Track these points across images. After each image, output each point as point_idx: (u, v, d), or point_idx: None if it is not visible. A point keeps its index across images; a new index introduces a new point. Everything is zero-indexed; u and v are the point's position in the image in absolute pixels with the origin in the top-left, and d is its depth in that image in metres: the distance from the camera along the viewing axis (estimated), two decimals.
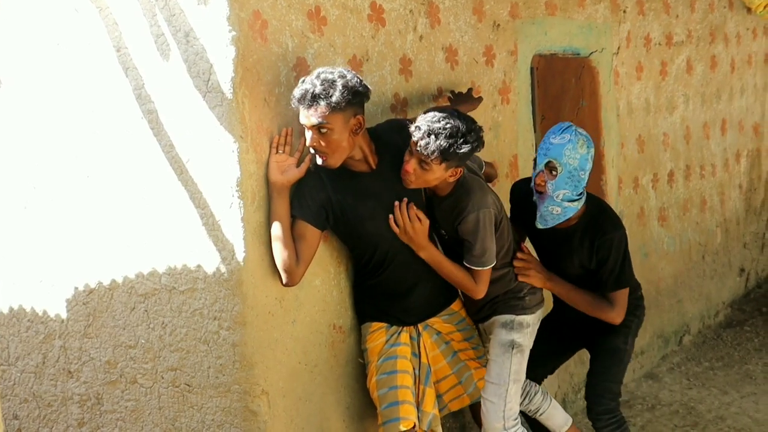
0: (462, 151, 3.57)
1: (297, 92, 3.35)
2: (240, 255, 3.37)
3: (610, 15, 5.77)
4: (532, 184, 3.98)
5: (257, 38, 3.38)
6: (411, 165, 3.62)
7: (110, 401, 3.83)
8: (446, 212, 3.83)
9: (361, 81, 3.45)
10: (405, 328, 3.89)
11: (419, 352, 3.91)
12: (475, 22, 4.61)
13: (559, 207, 3.91)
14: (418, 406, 3.84)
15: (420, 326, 3.93)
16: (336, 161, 3.52)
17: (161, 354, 3.64)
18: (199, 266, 3.47)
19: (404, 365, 3.81)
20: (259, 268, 3.43)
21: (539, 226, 4.01)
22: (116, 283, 3.71)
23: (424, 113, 3.66)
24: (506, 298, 4.04)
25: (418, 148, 3.55)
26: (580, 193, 3.93)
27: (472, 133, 3.61)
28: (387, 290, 3.84)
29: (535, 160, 4.01)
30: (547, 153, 3.85)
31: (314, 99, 3.33)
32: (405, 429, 3.69)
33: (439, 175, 3.65)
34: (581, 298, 4.10)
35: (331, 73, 3.38)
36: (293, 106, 3.40)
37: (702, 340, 7.18)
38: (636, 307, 4.30)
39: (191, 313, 3.52)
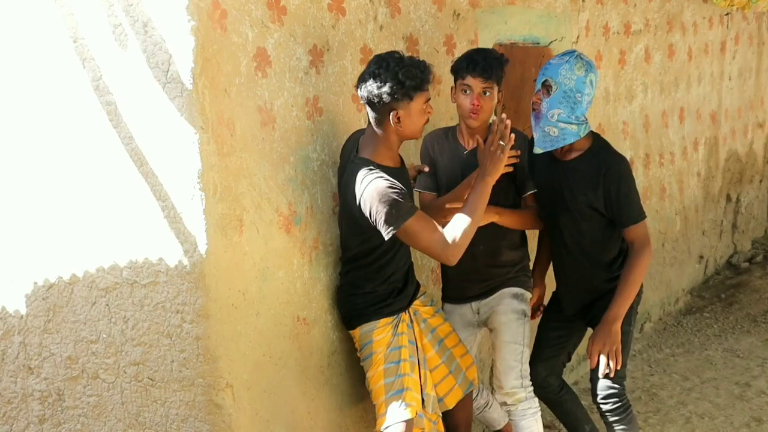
0: (506, 66, 4.06)
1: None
2: (202, 247, 3.33)
3: (570, 4, 5.79)
4: (532, 104, 4.07)
5: (217, 28, 3.34)
6: (478, 99, 3.96)
7: (72, 397, 3.79)
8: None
9: None
10: (402, 315, 3.93)
11: (415, 339, 3.96)
12: (436, 12, 4.61)
13: (555, 128, 3.94)
14: (422, 390, 3.91)
15: (411, 312, 3.99)
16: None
17: (123, 348, 3.60)
18: (160, 259, 3.44)
19: (406, 354, 3.86)
20: (222, 261, 3.40)
21: (537, 150, 4.02)
22: (76, 278, 3.66)
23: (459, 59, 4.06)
24: (517, 274, 4.25)
25: (484, 75, 3.92)
26: (581, 120, 3.96)
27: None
28: (393, 279, 3.92)
29: (534, 81, 4.17)
30: (545, 72, 3.99)
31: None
32: (411, 416, 3.74)
33: (495, 101, 4.03)
34: (630, 281, 4.02)
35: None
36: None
37: (663, 327, 7.25)
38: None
39: (153, 306, 3.49)
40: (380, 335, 3.86)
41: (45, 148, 3.67)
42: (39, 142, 3.68)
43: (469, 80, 3.95)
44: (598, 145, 4.11)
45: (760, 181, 9.61)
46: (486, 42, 5.00)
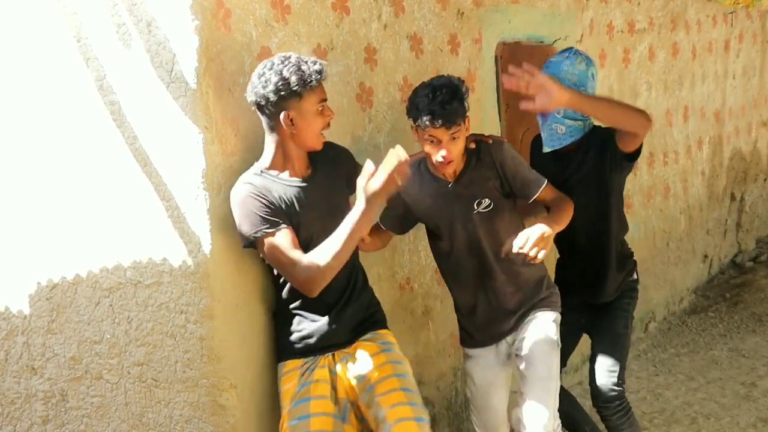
0: (467, 95, 3.61)
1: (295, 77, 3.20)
2: (206, 247, 3.32)
3: (573, 2, 5.77)
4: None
5: (221, 27, 3.33)
6: (446, 146, 3.57)
7: (75, 397, 3.77)
8: (480, 174, 3.74)
9: (280, 72, 3.20)
10: (322, 360, 3.45)
11: (337, 387, 3.45)
12: (440, 11, 4.59)
13: (562, 125, 4.00)
14: None
15: (338, 356, 3.48)
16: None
17: (127, 349, 3.59)
18: (164, 259, 3.42)
19: (319, 407, 3.34)
20: (226, 261, 3.38)
21: (546, 148, 4.06)
22: (80, 278, 3.65)
23: (412, 101, 3.61)
24: (546, 294, 3.90)
25: (444, 120, 3.49)
26: (585, 116, 4.00)
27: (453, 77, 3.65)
28: (315, 308, 3.44)
29: None
30: (547, 70, 3.95)
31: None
32: None
33: (464, 139, 3.65)
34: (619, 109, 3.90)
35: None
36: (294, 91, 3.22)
37: (667, 326, 7.23)
38: (632, 290, 4.30)
39: (157, 307, 3.47)
40: (286, 384, 3.44)
41: (48, 147, 3.66)
42: (42, 142, 3.67)
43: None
44: (594, 129, 4.17)
45: (765, 179, 9.58)
46: (490, 41, 4.99)
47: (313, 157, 3.46)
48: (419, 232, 4.43)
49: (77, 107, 3.54)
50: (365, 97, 4.10)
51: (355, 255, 3.51)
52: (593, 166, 4.08)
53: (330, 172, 3.50)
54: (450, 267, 3.94)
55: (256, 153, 3.49)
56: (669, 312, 7.43)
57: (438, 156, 3.60)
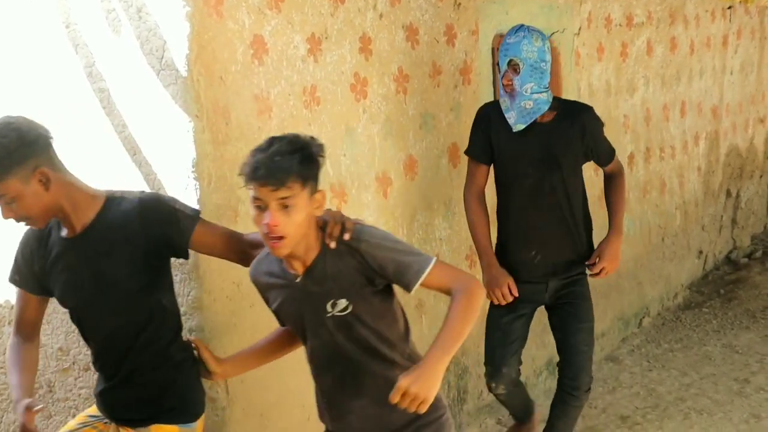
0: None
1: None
2: None
3: None
4: (501, 87, 4.12)
5: (212, 14, 3.29)
6: (273, 213, 2.58)
7: (63, 389, 3.74)
8: (338, 265, 2.69)
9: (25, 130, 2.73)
10: (101, 425, 3.05)
11: None
12: (436, 1, 4.55)
13: (529, 101, 4.06)
14: None
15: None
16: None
17: None
18: None
19: None
20: None
21: (518, 127, 4.11)
22: None
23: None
24: (433, 414, 2.78)
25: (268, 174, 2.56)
26: (546, 88, 4.11)
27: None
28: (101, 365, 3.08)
29: (498, 65, 4.16)
30: (507, 53, 4.06)
31: None
32: None
33: (305, 212, 2.64)
34: (623, 200, 4.48)
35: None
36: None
37: (661, 322, 7.21)
38: (583, 272, 4.33)
39: None
40: None
41: None
42: None
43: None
44: (563, 101, 4.34)
45: (760, 176, 9.56)
46: (487, 32, 4.95)
47: (102, 214, 2.84)
48: (414, 223, 4.39)
49: (66, 94, 3.50)
50: (359, 88, 4.05)
51: (154, 316, 2.93)
52: (568, 144, 4.16)
53: (111, 235, 2.81)
54: (314, 374, 2.93)
55: (248, 143, 3.44)
56: (663, 307, 7.41)
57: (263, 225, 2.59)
